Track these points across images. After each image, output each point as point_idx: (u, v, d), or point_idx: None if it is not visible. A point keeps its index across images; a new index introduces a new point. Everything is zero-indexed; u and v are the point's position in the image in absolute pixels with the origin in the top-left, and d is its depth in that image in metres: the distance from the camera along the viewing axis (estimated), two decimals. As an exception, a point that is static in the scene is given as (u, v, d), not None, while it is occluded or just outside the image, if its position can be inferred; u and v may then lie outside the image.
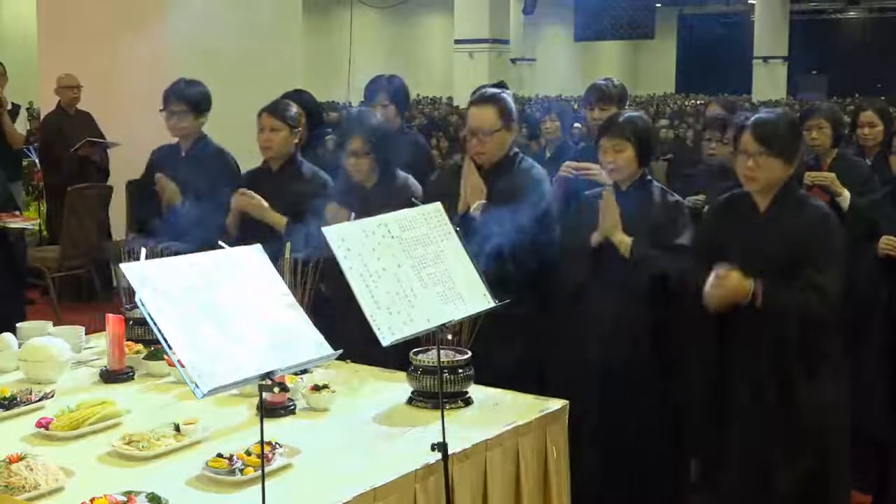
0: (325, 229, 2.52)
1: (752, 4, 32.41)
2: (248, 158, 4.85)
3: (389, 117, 4.85)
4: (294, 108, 4.40)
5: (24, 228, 5.73)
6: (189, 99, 4.73)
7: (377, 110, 4.86)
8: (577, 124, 7.43)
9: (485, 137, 3.80)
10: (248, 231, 4.09)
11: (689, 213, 3.83)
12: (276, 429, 2.72)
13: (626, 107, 4.62)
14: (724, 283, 3.23)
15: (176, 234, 3.98)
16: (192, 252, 2.26)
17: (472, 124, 3.85)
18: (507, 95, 3.93)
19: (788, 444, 3.30)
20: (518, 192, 3.71)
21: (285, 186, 4.29)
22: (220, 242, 2.35)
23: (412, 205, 2.95)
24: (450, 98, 23.92)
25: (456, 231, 2.82)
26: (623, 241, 3.60)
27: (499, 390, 3.13)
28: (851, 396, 3.56)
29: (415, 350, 3.04)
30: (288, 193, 4.24)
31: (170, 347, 2.00)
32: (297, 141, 4.36)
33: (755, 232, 3.34)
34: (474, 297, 2.73)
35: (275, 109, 4.35)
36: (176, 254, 2.29)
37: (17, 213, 5.80)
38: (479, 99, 3.89)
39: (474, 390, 3.07)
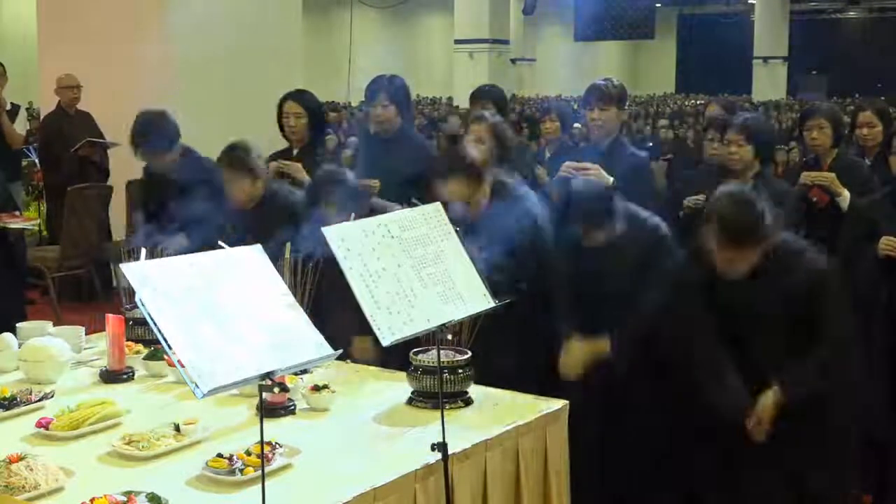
0: (325, 229, 2.52)
1: (752, 4, 32.40)
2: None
3: (390, 117, 4.84)
4: (255, 153, 4.25)
5: (23, 228, 5.74)
6: (160, 135, 4.72)
7: (378, 110, 4.86)
8: (577, 124, 7.43)
9: (467, 206, 3.70)
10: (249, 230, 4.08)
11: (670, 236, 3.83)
12: (276, 429, 2.72)
13: (626, 107, 4.61)
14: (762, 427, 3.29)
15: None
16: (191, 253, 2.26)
17: (449, 199, 3.62)
18: (467, 147, 3.78)
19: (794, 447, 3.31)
20: (506, 226, 3.61)
21: (262, 220, 4.12)
22: (220, 242, 2.35)
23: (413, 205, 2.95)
24: (450, 98, 23.91)
25: (456, 231, 2.82)
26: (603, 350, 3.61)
27: (499, 390, 3.13)
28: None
29: (415, 350, 3.04)
30: (264, 227, 4.11)
31: (170, 347, 2.00)
32: (261, 187, 4.24)
33: (748, 293, 3.33)
34: (474, 297, 2.73)
35: (232, 162, 4.20)
36: (176, 254, 2.29)
37: (17, 213, 5.81)
38: (445, 174, 3.71)
39: (474, 390, 3.07)
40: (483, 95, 5.37)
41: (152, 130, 4.75)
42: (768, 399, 3.26)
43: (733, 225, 3.24)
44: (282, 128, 5.01)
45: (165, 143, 4.75)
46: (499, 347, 3.40)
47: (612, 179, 4.16)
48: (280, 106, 5.01)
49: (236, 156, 4.23)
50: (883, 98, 13.40)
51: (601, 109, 4.44)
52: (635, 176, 4.35)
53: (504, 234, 3.46)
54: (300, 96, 5.02)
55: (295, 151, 4.97)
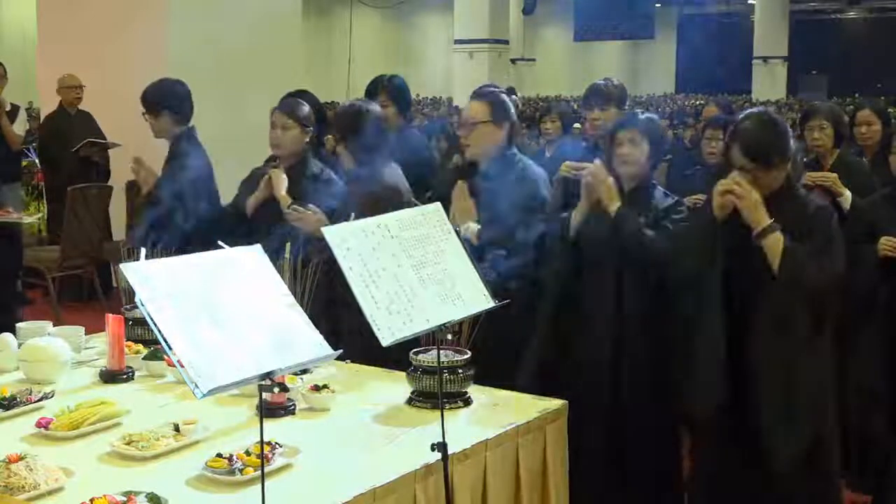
0: (324, 229, 2.53)
1: (752, 4, 32.41)
2: (247, 158, 4.86)
3: (389, 117, 4.84)
4: (306, 108, 4.36)
5: (21, 226, 5.74)
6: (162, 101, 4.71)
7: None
8: (576, 125, 7.41)
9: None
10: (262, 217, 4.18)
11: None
12: (276, 429, 2.72)
13: (626, 107, 4.61)
14: (747, 195, 3.23)
15: (158, 227, 4.02)
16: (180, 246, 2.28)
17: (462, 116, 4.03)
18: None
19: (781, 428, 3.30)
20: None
21: (292, 186, 4.23)
22: (220, 242, 2.35)
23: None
24: (450, 98, 23.91)
25: (456, 231, 2.82)
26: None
27: (499, 390, 3.13)
28: (853, 396, 3.55)
29: (415, 350, 3.04)
30: (295, 192, 4.18)
31: (170, 348, 2.00)
32: (307, 140, 4.33)
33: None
34: (474, 297, 2.73)
35: (286, 107, 4.34)
36: (175, 253, 2.29)
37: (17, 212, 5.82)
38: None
39: (474, 390, 3.07)
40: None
41: (158, 97, 4.71)
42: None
43: (755, 140, 3.28)
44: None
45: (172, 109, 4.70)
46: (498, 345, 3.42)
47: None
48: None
49: (291, 104, 4.37)
50: (883, 98, 13.40)
51: (601, 109, 4.45)
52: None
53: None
54: (301, 97, 5.01)
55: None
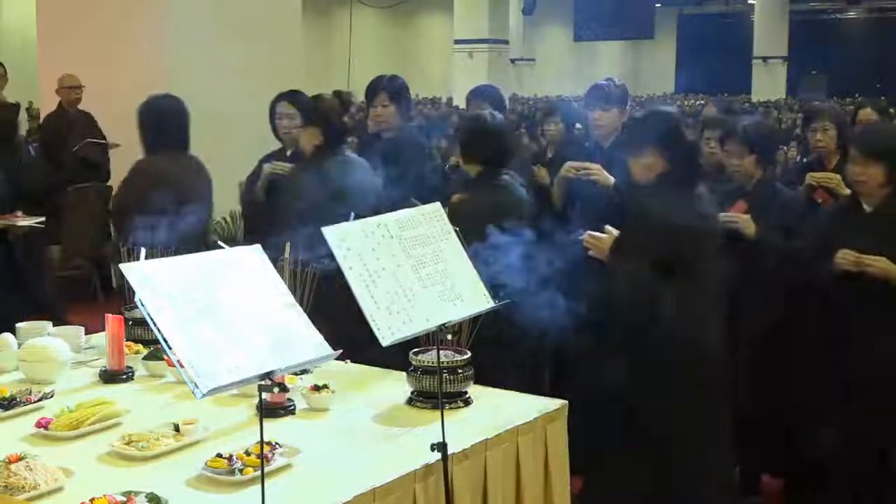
0: (324, 229, 2.52)
1: (752, 4, 32.39)
2: (247, 156, 4.85)
3: (389, 117, 4.84)
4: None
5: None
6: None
7: (377, 110, 4.85)
8: (577, 125, 7.40)
9: None
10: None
11: None
12: (276, 429, 2.72)
13: (627, 107, 4.61)
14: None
15: None
16: None
17: None
18: None
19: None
20: None
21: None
22: (220, 242, 2.35)
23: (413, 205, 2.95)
24: (450, 98, 23.90)
25: (455, 231, 2.82)
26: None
27: (499, 390, 3.13)
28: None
29: (415, 350, 3.04)
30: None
31: (170, 348, 2.00)
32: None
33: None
34: (474, 297, 2.73)
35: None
36: (175, 253, 2.29)
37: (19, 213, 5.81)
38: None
39: (474, 390, 3.06)
40: (479, 95, 5.38)
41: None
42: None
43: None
44: (274, 129, 4.98)
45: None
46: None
47: (613, 180, 4.16)
48: (273, 107, 4.98)
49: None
50: (883, 98, 13.41)
51: (603, 110, 4.45)
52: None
53: None
54: (293, 97, 4.98)
55: (288, 153, 4.94)
